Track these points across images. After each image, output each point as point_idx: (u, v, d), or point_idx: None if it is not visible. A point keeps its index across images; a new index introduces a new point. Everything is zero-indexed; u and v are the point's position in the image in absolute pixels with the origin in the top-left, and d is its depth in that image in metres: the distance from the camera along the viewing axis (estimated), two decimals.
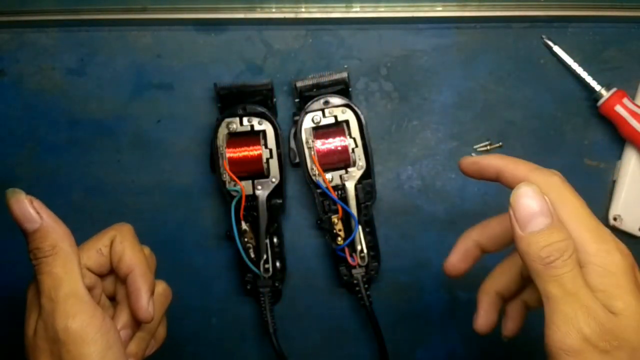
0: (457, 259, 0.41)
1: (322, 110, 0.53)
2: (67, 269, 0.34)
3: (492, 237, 0.40)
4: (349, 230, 0.53)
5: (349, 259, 0.52)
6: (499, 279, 0.41)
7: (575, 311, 0.30)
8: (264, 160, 0.52)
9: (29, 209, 0.35)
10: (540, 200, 0.32)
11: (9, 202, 0.35)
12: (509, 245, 0.41)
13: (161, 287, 0.40)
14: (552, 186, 0.33)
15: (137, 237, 0.39)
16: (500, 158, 0.37)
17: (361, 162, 0.52)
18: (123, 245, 0.38)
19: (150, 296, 0.37)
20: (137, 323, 0.38)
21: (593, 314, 0.30)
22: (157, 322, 0.40)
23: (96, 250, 0.38)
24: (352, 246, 0.52)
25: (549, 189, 0.33)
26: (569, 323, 0.30)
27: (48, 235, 0.35)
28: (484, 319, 0.41)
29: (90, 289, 0.36)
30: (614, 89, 0.53)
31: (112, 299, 0.40)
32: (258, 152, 0.52)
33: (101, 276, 0.39)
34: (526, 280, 0.41)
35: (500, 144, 0.56)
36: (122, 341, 0.36)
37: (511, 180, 0.35)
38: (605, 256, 0.31)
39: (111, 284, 0.40)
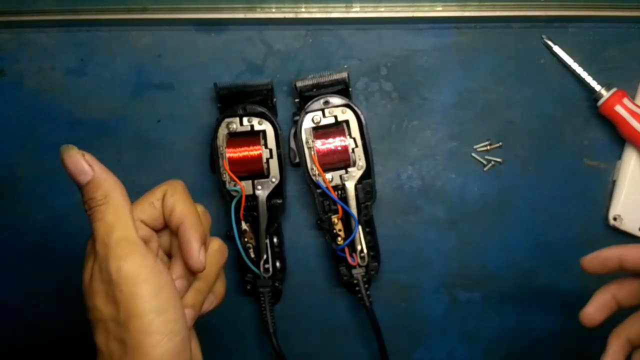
0: (595, 309, 0.42)
1: (322, 110, 0.53)
2: (119, 216, 0.36)
3: (630, 293, 0.42)
4: (349, 230, 0.53)
5: (349, 259, 0.52)
6: (633, 326, 0.42)
7: None
8: (264, 160, 0.52)
9: (82, 161, 0.36)
10: None
11: (63, 158, 0.36)
12: None
13: (217, 243, 0.41)
14: None
15: (188, 192, 0.40)
16: (618, 247, 0.40)
17: (361, 162, 0.52)
18: (174, 198, 0.39)
19: (201, 246, 0.38)
20: (191, 274, 0.39)
21: None
22: (213, 277, 0.41)
23: (149, 204, 0.39)
24: (352, 246, 0.52)
25: None
26: None
27: (100, 186, 0.36)
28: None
29: (145, 242, 0.37)
30: (614, 89, 0.53)
31: (169, 256, 0.41)
32: (258, 152, 0.52)
33: (156, 231, 0.40)
34: None
35: (500, 144, 0.56)
36: (174, 285, 0.36)
37: (633, 264, 0.39)
38: None
39: (166, 239, 0.41)
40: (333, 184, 0.52)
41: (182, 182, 0.40)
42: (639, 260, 0.37)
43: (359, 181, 0.52)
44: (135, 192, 0.56)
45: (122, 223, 0.35)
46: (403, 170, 0.56)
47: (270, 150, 0.52)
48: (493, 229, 0.56)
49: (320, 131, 0.53)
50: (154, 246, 0.39)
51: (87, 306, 0.36)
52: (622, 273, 0.41)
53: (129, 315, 0.33)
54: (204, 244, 0.39)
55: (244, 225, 0.52)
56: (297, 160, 0.53)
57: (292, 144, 0.53)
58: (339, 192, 0.52)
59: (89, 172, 0.36)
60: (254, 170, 0.52)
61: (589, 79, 0.54)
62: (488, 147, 0.56)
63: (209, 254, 0.40)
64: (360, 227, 0.52)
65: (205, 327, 0.56)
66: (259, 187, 0.52)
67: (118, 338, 0.34)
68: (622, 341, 0.42)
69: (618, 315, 0.42)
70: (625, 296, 0.42)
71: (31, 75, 0.56)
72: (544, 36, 0.55)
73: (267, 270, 0.53)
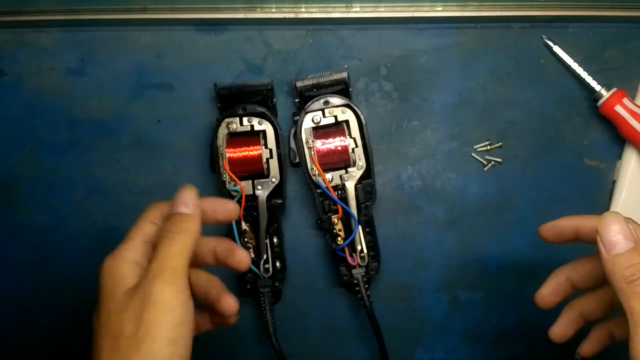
0: (548, 291, 0.43)
1: (322, 110, 0.53)
2: (183, 250, 0.38)
3: (584, 274, 0.42)
4: (349, 230, 0.53)
5: (349, 259, 0.52)
6: (588, 303, 0.43)
7: None
8: (264, 160, 0.52)
9: (190, 196, 0.40)
10: (624, 226, 0.36)
11: (181, 189, 0.40)
12: (599, 284, 0.42)
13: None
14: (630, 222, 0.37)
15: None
16: (575, 217, 0.41)
17: (361, 162, 0.52)
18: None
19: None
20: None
21: None
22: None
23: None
24: (352, 246, 0.52)
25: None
26: None
27: (189, 220, 0.39)
28: (560, 329, 0.43)
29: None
30: (614, 89, 0.53)
31: None
32: (258, 152, 0.52)
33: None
34: (615, 311, 0.43)
35: (500, 144, 0.56)
36: (194, 325, 0.38)
37: (588, 234, 0.39)
38: None
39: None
40: (333, 184, 0.52)
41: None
42: (593, 230, 0.37)
43: (359, 181, 0.52)
44: (135, 192, 0.56)
45: (182, 256, 0.38)
46: (403, 170, 0.56)
47: (270, 150, 0.52)
48: (493, 229, 0.56)
49: (320, 131, 0.53)
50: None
51: (105, 321, 0.36)
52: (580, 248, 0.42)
53: (145, 336, 0.35)
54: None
55: (244, 225, 0.52)
56: (297, 160, 0.53)
57: (292, 144, 0.53)
58: (339, 192, 0.52)
59: (191, 208, 0.40)
60: (254, 170, 0.52)
61: (589, 79, 0.54)
62: (488, 147, 0.56)
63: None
64: (360, 227, 0.52)
65: None
66: (259, 187, 0.52)
67: (124, 356, 0.35)
68: (575, 314, 0.43)
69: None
70: (579, 278, 0.42)
71: (31, 75, 0.56)
72: (544, 36, 0.55)
73: (267, 270, 0.53)
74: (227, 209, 0.43)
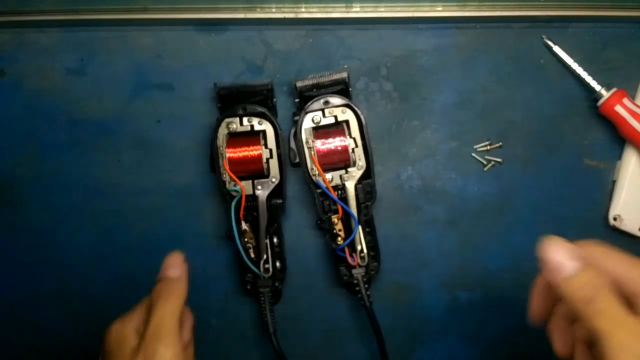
0: (536, 309, 0.42)
1: (322, 110, 0.53)
2: (175, 310, 0.42)
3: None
4: (349, 230, 0.53)
5: (349, 259, 0.52)
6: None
7: (627, 338, 0.31)
8: (264, 160, 0.52)
9: (179, 263, 0.44)
10: (566, 248, 0.35)
11: (169, 256, 0.44)
12: None
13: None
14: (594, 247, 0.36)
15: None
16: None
17: (361, 162, 0.52)
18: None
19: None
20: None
21: None
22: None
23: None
24: (352, 246, 0.52)
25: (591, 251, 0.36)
26: (624, 351, 0.31)
27: (177, 283, 0.43)
28: (535, 310, 0.42)
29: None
30: (614, 89, 0.53)
31: None
32: (258, 152, 0.52)
33: None
34: None
35: (500, 144, 0.56)
36: None
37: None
38: None
39: None
40: (333, 184, 0.52)
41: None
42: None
43: (359, 181, 0.52)
44: (135, 192, 0.56)
45: (175, 316, 0.41)
46: (403, 170, 0.56)
47: (270, 150, 0.52)
48: (493, 229, 0.56)
49: (320, 131, 0.53)
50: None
51: None
52: None
53: None
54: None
55: (244, 225, 0.52)
56: (297, 160, 0.53)
57: (292, 144, 0.53)
58: (339, 192, 0.52)
59: (178, 272, 0.44)
60: (254, 170, 0.52)
61: (589, 79, 0.54)
62: (488, 147, 0.56)
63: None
64: (360, 227, 0.52)
65: (205, 327, 0.56)
66: (259, 187, 0.52)
67: None
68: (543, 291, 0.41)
69: None
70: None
71: (31, 75, 0.57)
72: (544, 36, 0.55)
73: (267, 270, 0.53)
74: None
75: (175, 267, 0.44)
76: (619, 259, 0.35)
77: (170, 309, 0.41)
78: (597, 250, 0.36)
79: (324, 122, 0.53)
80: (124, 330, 0.41)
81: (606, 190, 0.56)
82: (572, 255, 0.35)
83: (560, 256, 0.35)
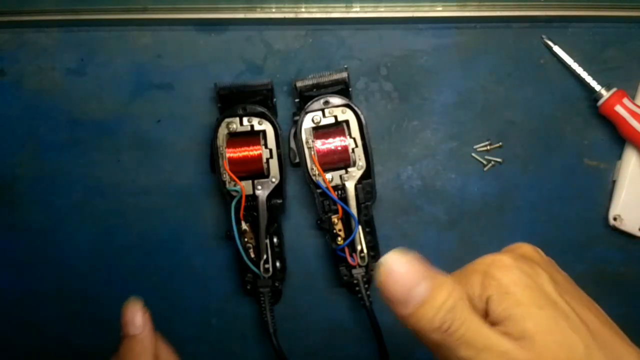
0: None
1: (322, 110, 0.53)
2: None
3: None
4: (349, 230, 0.53)
5: (349, 259, 0.52)
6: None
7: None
8: (264, 160, 0.52)
9: (138, 316, 0.40)
10: (409, 266, 0.29)
11: (124, 306, 0.40)
12: None
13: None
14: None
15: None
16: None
17: (361, 162, 0.52)
18: None
19: None
20: None
21: (511, 356, 0.27)
22: None
23: None
24: (352, 246, 0.52)
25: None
26: None
27: (142, 342, 0.40)
28: None
29: None
30: (614, 89, 0.53)
31: None
32: (258, 152, 0.52)
33: None
34: None
35: (500, 144, 0.56)
36: None
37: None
38: (497, 277, 0.29)
39: None
40: (333, 184, 0.52)
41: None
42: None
43: (359, 181, 0.52)
44: (135, 192, 0.56)
45: None
46: (403, 170, 0.56)
47: (270, 150, 0.52)
48: (493, 229, 0.56)
49: (320, 131, 0.53)
50: None
51: None
52: None
53: None
54: None
55: (244, 225, 0.52)
56: (297, 160, 0.53)
57: (292, 144, 0.53)
58: (339, 192, 0.52)
59: (139, 328, 0.40)
60: (254, 170, 0.52)
61: (589, 79, 0.54)
62: (488, 147, 0.56)
63: None
64: (360, 227, 0.52)
65: (205, 327, 0.56)
66: (259, 187, 0.52)
67: None
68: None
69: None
70: None
71: (31, 75, 0.56)
72: (544, 36, 0.55)
73: (267, 270, 0.53)
74: None
75: (134, 322, 0.40)
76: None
77: None
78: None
79: (324, 122, 0.53)
80: None
81: (606, 190, 0.56)
82: (418, 274, 0.29)
83: (405, 280, 0.28)
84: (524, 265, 0.29)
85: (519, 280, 0.28)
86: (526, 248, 0.32)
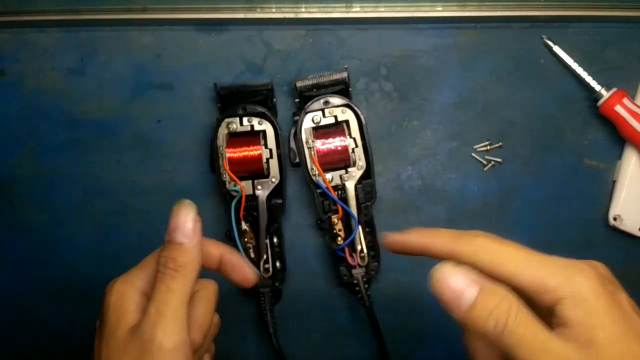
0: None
1: (322, 110, 0.53)
2: (183, 291, 0.35)
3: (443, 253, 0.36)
4: (349, 230, 0.53)
5: (349, 259, 0.52)
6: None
7: None
8: (264, 160, 0.52)
9: (190, 223, 0.36)
10: (458, 274, 0.31)
11: (177, 209, 0.37)
12: None
13: (217, 317, 0.42)
14: (480, 248, 0.32)
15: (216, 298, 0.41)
16: (422, 235, 0.35)
17: (361, 162, 0.52)
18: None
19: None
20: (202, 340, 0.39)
21: None
22: (212, 344, 0.43)
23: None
24: (352, 246, 0.52)
25: (477, 253, 0.32)
26: None
27: (188, 254, 0.36)
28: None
29: None
30: (614, 89, 0.53)
31: None
32: (258, 152, 0.52)
33: None
34: None
35: (500, 144, 0.56)
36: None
37: (437, 255, 0.34)
38: (569, 284, 0.30)
39: None
40: (333, 184, 0.52)
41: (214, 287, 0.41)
42: (440, 252, 0.33)
43: (359, 181, 0.52)
44: (135, 192, 0.56)
45: (182, 298, 0.35)
46: (403, 170, 0.56)
47: (270, 150, 0.52)
48: (493, 229, 0.55)
49: (320, 131, 0.53)
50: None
51: (105, 357, 0.35)
52: None
53: None
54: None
55: (244, 225, 0.52)
56: (297, 160, 0.53)
57: (292, 144, 0.53)
58: (339, 192, 0.52)
59: (189, 237, 0.36)
60: (254, 170, 0.52)
61: (589, 79, 0.54)
62: (488, 147, 0.56)
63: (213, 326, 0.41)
64: (360, 227, 0.52)
65: None
66: (259, 187, 0.52)
67: None
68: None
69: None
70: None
71: (31, 75, 0.56)
72: (544, 36, 0.55)
73: (267, 270, 0.53)
74: (244, 275, 0.40)
75: (186, 232, 0.36)
76: (503, 254, 0.31)
77: (176, 289, 0.35)
78: (473, 252, 0.31)
79: (324, 122, 0.53)
80: (126, 301, 0.36)
81: (606, 190, 0.56)
82: (467, 280, 0.31)
83: (456, 285, 0.31)
84: (605, 279, 0.31)
85: (602, 291, 0.30)
86: (603, 268, 0.33)
